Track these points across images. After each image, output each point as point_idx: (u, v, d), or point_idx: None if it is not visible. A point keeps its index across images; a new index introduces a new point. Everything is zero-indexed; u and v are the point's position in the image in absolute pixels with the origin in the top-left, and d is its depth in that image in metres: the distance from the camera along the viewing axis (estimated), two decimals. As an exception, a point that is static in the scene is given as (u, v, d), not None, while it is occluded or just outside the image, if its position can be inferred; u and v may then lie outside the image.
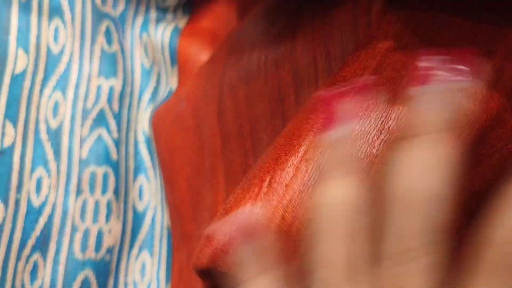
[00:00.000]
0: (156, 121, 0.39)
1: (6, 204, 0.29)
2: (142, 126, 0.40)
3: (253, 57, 0.29)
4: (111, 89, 0.38)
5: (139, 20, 0.42)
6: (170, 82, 0.41)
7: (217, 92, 0.32)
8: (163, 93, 0.41)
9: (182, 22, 0.42)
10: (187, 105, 0.37)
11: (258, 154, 0.28)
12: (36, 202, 0.31)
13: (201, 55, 0.43)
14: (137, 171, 0.38)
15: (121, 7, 0.41)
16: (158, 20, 0.42)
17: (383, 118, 0.17)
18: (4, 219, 0.29)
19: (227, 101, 0.31)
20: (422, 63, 0.14)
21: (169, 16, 0.42)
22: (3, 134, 0.30)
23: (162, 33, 0.42)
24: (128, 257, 0.36)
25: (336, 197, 0.14)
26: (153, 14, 0.42)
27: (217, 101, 0.32)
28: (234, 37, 0.36)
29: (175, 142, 0.37)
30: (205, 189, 0.34)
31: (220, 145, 0.32)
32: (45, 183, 0.32)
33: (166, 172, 0.37)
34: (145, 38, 0.42)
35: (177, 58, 0.43)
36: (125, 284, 0.35)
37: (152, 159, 0.39)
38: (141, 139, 0.39)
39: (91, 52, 0.37)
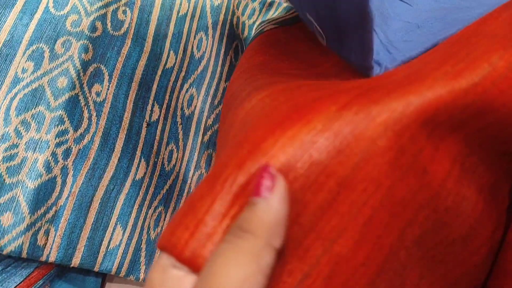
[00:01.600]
0: None
1: (147, 163, 0.37)
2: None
3: None
4: (233, 93, 0.45)
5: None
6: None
7: None
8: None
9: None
10: None
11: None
12: (167, 168, 0.39)
13: None
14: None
15: (246, 32, 0.49)
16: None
17: None
18: (145, 174, 0.37)
19: None
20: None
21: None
22: (152, 111, 0.38)
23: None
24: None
25: None
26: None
27: None
28: None
29: None
30: None
31: None
32: (174, 155, 0.40)
33: None
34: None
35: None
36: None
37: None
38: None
39: (223, 61, 0.45)
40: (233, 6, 0.46)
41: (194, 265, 0.20)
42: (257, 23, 0.50)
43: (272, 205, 0.19)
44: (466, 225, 0.27)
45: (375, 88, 0.25)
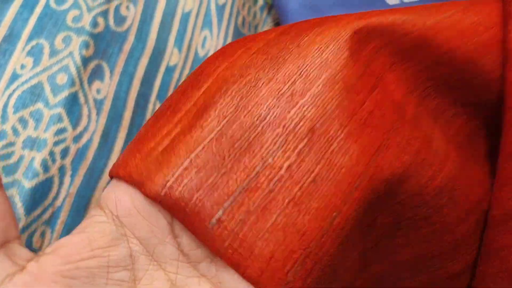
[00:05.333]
0: None
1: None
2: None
3: None
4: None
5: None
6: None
7: None
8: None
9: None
10: None
11: None
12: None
13: None
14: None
15: (252, 32, 0.48)
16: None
17: None
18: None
19: None
20: None
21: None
22: (154, 109, 0.37)
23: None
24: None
25: None
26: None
27: None
28: None
29: None
30: None
31: None
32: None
33: None
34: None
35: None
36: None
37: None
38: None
39: (228, 61, 0.44)
40: (238, 6, 0.45)
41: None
42: (261, 25, 0.49)
43: None
44: (441, 174, 0.24)
45: (322, 18, 0.25)
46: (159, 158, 0.21)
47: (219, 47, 0.43)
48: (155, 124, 0.23)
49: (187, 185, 0.20)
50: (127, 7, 0.37)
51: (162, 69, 0.38)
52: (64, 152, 0.32)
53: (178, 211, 0.20)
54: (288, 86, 0.22)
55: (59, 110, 0.32)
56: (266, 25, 0.49)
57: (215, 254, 0.19)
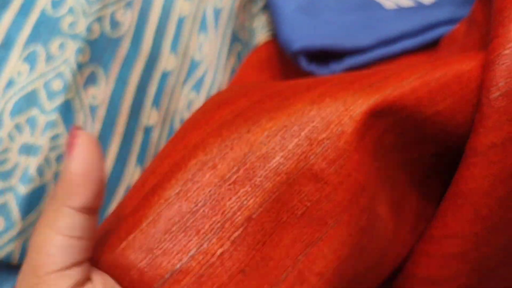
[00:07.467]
0: None
1: (142, 170, 0.36)
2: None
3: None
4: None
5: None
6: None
7: None
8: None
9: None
10: None
11: None
12: (164, 174, 0.38)
13: None
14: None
15: (249, 37, 0.48)
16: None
17: None
18: (139, 180, 0.36)
19: None
20: None
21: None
22: (149, 115, 0.37)
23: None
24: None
25: None
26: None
27: None
28: None
29: None
30: None
31: None
32: (172, 161, 0.39)
33: None
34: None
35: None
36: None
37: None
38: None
39: (224, 67, 0.44)
40: (237, 10, 0.45)
41: None
42: (258, 28, 0.49)
43: (68, 165, 0.19)
44: (378, 250, 0.25)
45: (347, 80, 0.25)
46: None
47: (216, 52, 0.43)
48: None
49: (126, 258, 0.22)
50: (123, 13, 0.37)
51: (157, 74, 0.38)
52: (60, 158, 0.32)
53: (120, 275, 0.22)
54: (233, 173, 0.23)
55: (55, 116, 0.32)
56: (263, 29, 0.49)
57: None
